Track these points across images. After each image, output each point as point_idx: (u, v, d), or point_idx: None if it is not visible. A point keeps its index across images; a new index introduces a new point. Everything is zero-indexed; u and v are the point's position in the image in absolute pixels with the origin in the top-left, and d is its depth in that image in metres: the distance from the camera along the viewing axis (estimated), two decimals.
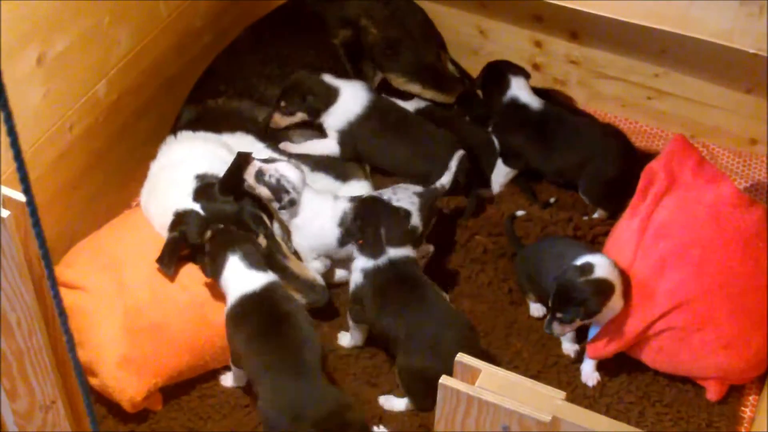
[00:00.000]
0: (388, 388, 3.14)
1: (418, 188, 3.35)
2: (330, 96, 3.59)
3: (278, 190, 3.22)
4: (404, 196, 3.28)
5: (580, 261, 3.02)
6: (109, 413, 3.07)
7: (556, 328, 3.04)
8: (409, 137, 3.66)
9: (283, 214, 3.29)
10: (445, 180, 3.42)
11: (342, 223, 3.28)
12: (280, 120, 3.60)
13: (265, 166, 3.23)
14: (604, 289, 2.98)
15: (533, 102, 3.76)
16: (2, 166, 2.92)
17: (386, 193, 3.32)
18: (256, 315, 2.98)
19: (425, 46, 4.08)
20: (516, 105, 3.76)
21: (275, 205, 3.25)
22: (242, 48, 3.87)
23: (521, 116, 3.74)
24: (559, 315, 3.00)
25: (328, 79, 3.63)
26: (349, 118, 3.60)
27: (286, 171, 3.24)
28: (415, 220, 3.25)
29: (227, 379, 3.17)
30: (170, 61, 3.72)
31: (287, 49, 3.84)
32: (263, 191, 3.23)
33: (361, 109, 3.61)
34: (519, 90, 3.78)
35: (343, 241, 3.29)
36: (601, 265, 2.99)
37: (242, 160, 3.23)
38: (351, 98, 3.62)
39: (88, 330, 3.01)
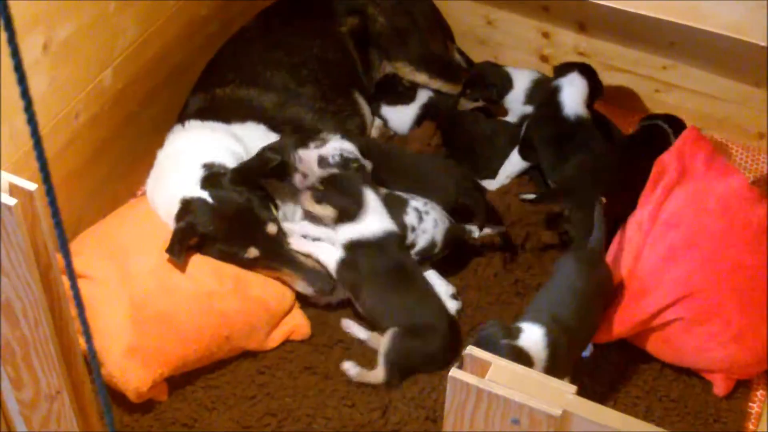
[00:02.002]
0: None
1: (449, 217, 3.36)
2: None
3: (347, 163, 3.25)
4: (435, 213, 3.31)
5: (517, 323, 2.89)
6: (113, 403, 3.06)
7: None
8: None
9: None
10: (477, 232, 3.38)
11: None
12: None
13: (323, 151, 3.25)
14: (516, 357, 2.78)
15: (572, 107, 3.61)
16: (8, 153, 2.91)
17: (418, 201, 3.33)
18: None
19: (432, 35, 4.07)
20: (554, 98, 3.64)
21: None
22: (250, 36, 3.86)
23: (551, 113, 3.64)
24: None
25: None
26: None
27: (342, 144, 3.28)
28: (439, 238, 3.29)
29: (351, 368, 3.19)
30: (176, 49, 3.71)
31: (294, 37, 3.83)
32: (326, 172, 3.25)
33: None
34: (568, 85, 3.65)
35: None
36: (528, 337, 2.83)
37: (286, 147, 3.28)
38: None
39: (94, 319, 3.00)
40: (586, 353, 3.17)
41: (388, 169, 3.47)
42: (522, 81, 3.89)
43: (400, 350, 3.11)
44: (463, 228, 3.36)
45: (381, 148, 3.61)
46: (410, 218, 3.28)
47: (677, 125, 3.71)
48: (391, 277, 3.18)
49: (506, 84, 3.90)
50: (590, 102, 3.69)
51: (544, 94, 3.72)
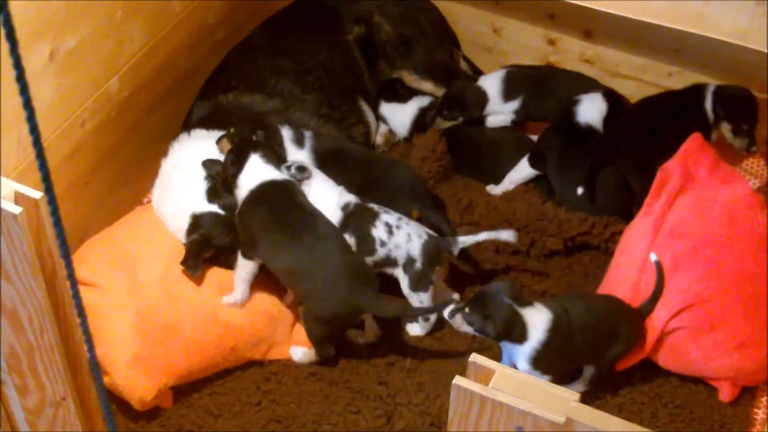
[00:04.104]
0: (401, 386, 3.14)
1: (431, 233, 3.24)
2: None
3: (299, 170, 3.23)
4: (409, 228, 3.22)
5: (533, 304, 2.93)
6: (118, 410, 3.06)
7: (457, 319, 2.94)
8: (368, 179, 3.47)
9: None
10: (463, 240, 3.26)
11: (344, 209, 3.24)
12: None
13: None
14: (514, 327, 2.85)
15: (585, 116, 3.67)
16: (15, 161, 2.92)
17: (390, 215, 3.25)
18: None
19: (438, 43, 4.07)
20: (570, 108, 3.69)
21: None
22: (255, 43, 3.87)
23: (563, 120, 3.69)
24: (467, 311, 2.90)
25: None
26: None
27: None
28: (415, 252, 3.19)
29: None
30: (183, 57, 3.71)
31: (301, 44, 3.84)
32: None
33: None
34: (587, 100, 3.71)
35: (342, 228, 3.22)
36: (534, 313, 2.89)
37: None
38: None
39: (100, 327, 3.00)
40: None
41: (343, 167, 3.42)
42: (493, 86, 3.89)
43: (314, 324, 3.10)
44: (446, 240, 3.25)
45: (335, 146, 3.53)
46: (378, 231, 3.19)
47: (725, 98, 3.67)
48: (283, 225, 3.10)
49: (482, 98, 3.89)
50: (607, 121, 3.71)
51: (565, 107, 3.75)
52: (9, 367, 2.26)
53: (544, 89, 3.88)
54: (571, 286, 3.46)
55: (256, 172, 3.14)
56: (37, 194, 2.00)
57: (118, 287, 3.10)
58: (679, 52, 3.84)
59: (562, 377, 3.02)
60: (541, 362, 2.90)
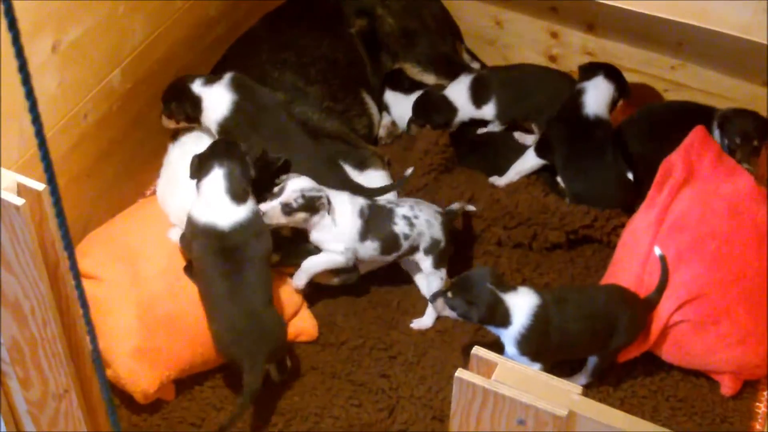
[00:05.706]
0: (403, 379, 3.15)
1: (438, 208, 3.32)
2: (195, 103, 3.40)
3: (311, 203, 3.14)
4: (425, 213, 3.26)
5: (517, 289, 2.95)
6: (121, 403, 3.07)
7: (438, 304, 2.99)
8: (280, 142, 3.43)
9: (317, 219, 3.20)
10: (455, 206, 3.36)
11: (361, 215, 3.23)
12: (168, 123, 3.46)
13: (285, 197, 3.13)
14: (496, 311, 2.88)
15: (592, 108, 3.62)
16: (17, 153, 2.92)
17: (406, 204, 3.29)
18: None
19: (441, 36, 4.07)
20: (577, 98, 3.65)
21: (317, 217, 3.17)
22: (258, 36, 3.87)
23: (571, 111, 3.65)
24: (449, 295, 2.93)
25: (196, 86, 3.40)
26: (217, 119, 3.38)
27: (300, 184, 3.16)
28: (438, 234, 3.23)
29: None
30: (184, 50, 3.71)
31: (303, 38, 3.84)
32: (300, 216, 3.15)
33: (227, 111, 3.39)
34: (593, 89, 3.66)
35: (363, 235, 3.23)
36: (521, 295, 2.92)
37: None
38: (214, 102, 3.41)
39: (102, 320, 3.00)
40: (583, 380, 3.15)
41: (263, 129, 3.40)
42: (460, 96, 3.86)
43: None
44: (450, 210, 3.33)
45: (259, 104, 3.46)
46: (400, 227, 3.22)
47: (722, 116, 3.66)
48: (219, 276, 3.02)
49: (448, 107, 3.85)
50: (614, 104, 3.71)
51: (569, 96, 3.71)
52: (12, 359, 2.27)
53: (517, 89, 3.86)
54: (573, 279, 3.46)
55: (209, 205, 3.06)
56: (40, 186, 2.00)
57: (121, 280, 3.10)
58: (682, 45, 3.84)
59: (556, 367, 3.02)
60: (528, 347, 2.92)
